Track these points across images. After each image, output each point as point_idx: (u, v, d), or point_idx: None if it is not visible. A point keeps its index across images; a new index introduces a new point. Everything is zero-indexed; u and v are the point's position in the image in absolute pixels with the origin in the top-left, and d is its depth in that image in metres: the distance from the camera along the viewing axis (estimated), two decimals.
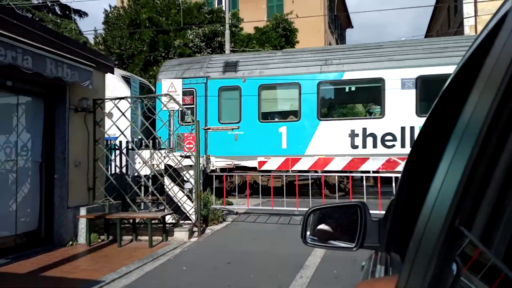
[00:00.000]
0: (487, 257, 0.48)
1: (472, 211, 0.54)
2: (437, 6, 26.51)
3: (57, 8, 23.64)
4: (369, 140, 9.88)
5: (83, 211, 6.30)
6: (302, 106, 10.36)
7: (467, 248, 0.56)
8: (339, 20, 30.47)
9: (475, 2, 18.53)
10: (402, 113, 9.62)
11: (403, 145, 9.59)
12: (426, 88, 9.44)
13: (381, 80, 9.84)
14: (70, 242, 6.18)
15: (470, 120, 0.60)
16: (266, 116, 10.81)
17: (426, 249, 0.63)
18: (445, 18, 26.07)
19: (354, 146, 9.93)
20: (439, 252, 0.59)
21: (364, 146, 9.85)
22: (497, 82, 0.52)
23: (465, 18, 19.09)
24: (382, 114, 9.93)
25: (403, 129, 9.62)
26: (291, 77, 10.46)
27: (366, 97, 11.08)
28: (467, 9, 19.16)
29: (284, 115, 10.89)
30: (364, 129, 9.90)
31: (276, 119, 10.87)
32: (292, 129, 10.39)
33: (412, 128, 9.49)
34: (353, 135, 9.96)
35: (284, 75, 10.51)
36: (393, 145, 9.70)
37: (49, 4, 22.82)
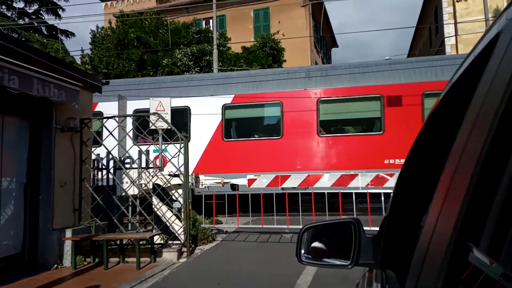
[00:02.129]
0: (495, 274, 0.47)
1: (478, 226, 0.53)
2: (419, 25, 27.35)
3: (43, 28, 23.58)
4: None
5: (68, 233, 6.14)
6: None
7: (474, 264, 0.55)
8: (325, 40, 31.09)
9: (455, 23, 19.19)
10: None
11: None
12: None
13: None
14: (55, 266, 5.99)
15: (471, 134, 0.60)
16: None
17: (431, 266, 0.63)
18: (427, 37, 26.87)
19: None
20: (446, 270, 0.58)
21: None
22: (497, 97, 0.53)
23: (446, 37, 19.72)
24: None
25: None
26: None
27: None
28: (448, 29, 19.83)
29: None
30: None
31: None
32: None
33: None
34: None
35: None
36: None
37: (36, 25, 22.76)
